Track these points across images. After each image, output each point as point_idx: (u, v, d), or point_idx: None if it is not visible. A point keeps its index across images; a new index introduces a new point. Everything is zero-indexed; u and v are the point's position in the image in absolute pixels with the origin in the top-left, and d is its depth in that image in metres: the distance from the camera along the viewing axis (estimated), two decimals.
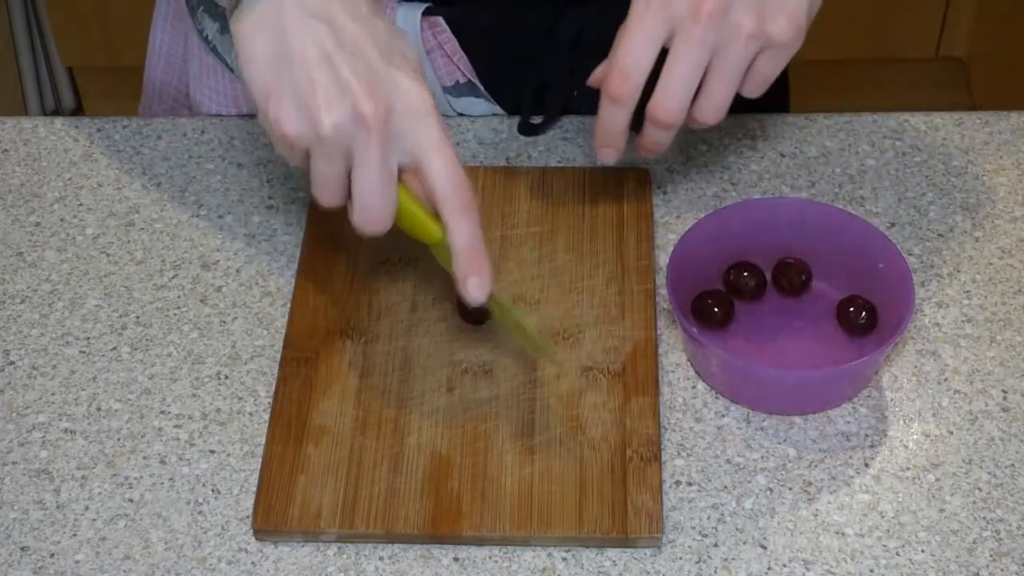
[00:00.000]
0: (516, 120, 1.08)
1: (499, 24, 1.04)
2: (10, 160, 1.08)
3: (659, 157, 1.03)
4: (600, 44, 1.02)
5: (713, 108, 0.84)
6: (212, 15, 1.07)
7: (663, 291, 0.95)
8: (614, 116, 0.85)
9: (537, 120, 1.05)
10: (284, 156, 0.80)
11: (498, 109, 1.09)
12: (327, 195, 0.80)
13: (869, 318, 0.92)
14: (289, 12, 0.77)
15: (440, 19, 1.03)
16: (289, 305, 0.96)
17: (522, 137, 1.07)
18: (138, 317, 0.97)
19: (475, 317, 0.93)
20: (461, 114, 1.10)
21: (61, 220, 1.03)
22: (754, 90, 0.85)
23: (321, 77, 0.76)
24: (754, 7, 0.82)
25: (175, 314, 0.97)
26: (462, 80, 1.07)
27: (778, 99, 1.20)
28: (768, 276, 0.95)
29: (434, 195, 0.79)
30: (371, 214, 0.79)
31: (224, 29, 1.06)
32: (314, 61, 0.76)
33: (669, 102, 0.83)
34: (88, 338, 0.95)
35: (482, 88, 1.07)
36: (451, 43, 1.04)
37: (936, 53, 2.43)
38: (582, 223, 0.99)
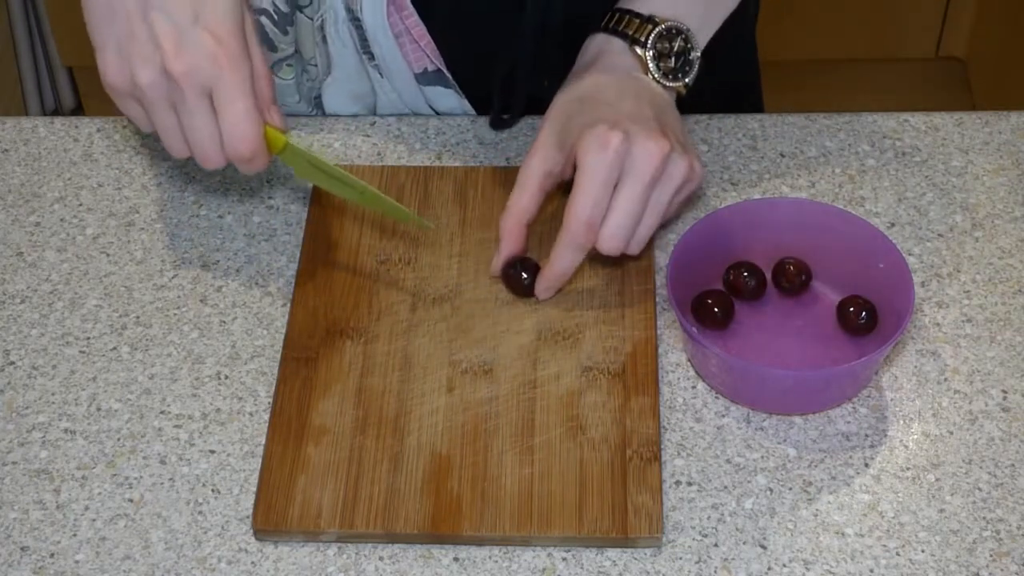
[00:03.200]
0: (517, 120, 1.08)
1: (464, 9, 1.04)
2: (10, 160, 1.08)
3: None
4: (565, 30, 1.02)
5: (641, 240, 0.92)
6: None
7: (663, 291, 0.95)
8: (574, 261, 0.91)
9: (505, 117, 1.07)
10: (122, 109, 0.88)
11: (466, 103, 1.09)
12: (174, 145, 0.88)
13: (869, 318, 0.92)
14: None
15: (407, 1, 1.03)
16: (289, 305, 0.96)
17: (522, 137, 1.07)
18: (138, 317, 0.97)
19: (524, 291, 0.94)
20: (437, 112, 1.10)
21: (61, 220, 1.03)
22: (643, 237, 0.92)
23: (138, 32, 0.84)
24: (683, 155, 0.91)
25: (175, 314, 0.97)
26: (430, 68, 1.07)
27: (753, 103, 1.21)
28: (768, 276, 0.95)
29: (224, 142, 0.87)
30: (199, 152, 0.87)
31: None
32: (135, 17, 0.84)
33: (619, 233, 0.90)
34: (88, 338, 0.95)
35: (450, 77, 1.07)
36: (418, 28, 1.04)
37: (936, 53, 2.43)
38: None
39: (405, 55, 1.06)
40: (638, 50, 0.95)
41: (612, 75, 0.94)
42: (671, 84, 0.95)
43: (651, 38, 0.94)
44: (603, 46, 0.96)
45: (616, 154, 0.88)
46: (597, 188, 0.89)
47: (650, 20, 0.95)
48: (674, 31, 0.95)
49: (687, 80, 0.96)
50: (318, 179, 0.94)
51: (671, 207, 0.92)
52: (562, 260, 0.91)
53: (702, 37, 0.97)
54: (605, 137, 0.88)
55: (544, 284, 0.93)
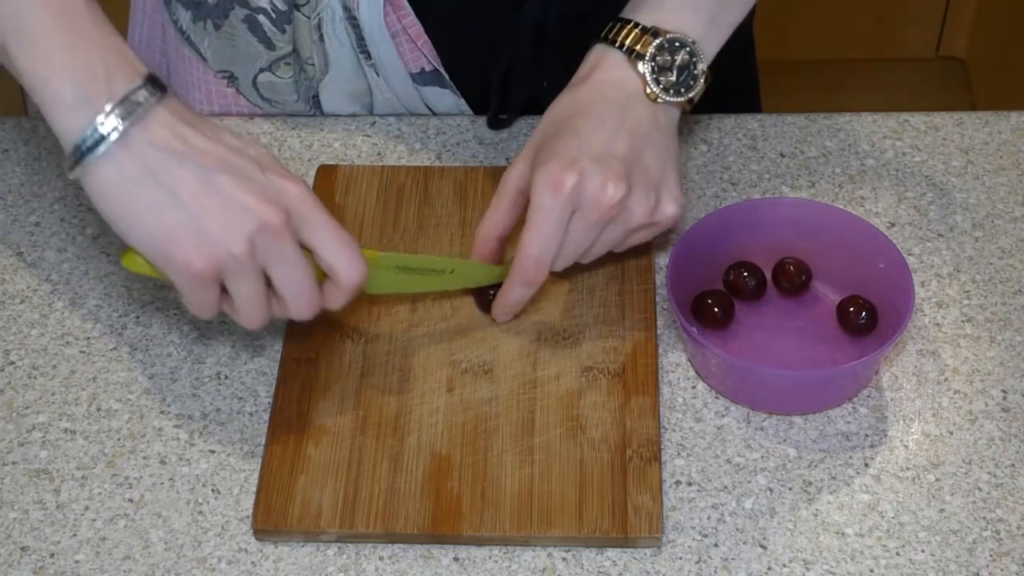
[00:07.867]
0: (515, 120, 1.08)
1: (461, 8, 1.04)
2: (10, 160, 1.08)
3: None
4: (563, 32, 1.02)
5: (568, 262, 0.90)
6: (185, 4, 1.06)
7: (663, 291, 0.95)
8: (523, 295, 0.91)
9: (503, 116, 1.07)
10: (196, 299, 0.80)
11: (463, 103, 1.09)
12: (257, 315, 0.81)
13: (869, 318, 0.92)
14: (149, 156, 0.77)
15: (404, 1, 1.03)
16: None
17: (521, 137, 1.07)
18: (138, 317, 0.97)
19: (487, 308, 0.93)
20: (435, 113, 1.10)
21: (61, 220, 1.03)
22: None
23: (212, 203, 0.77)
24: (647, 198, 0.88)
25: (175, 314, 0.97)
26: (427, 68, 1.07)
27: (750, 101, 1.21)
28: (768, 276, 0.95)
29: (335, 274, 0.82)
30: (303, 303, 0.82)
31: (196, 18, 1.06)
32: (199, 190, 0.77)
33: (561, 264, 0.89)
34: (88, 338, 0.95)
35: (447, 77, 1.07)
36: (415, 27, 1.04)
37: (936, 53, 2.43)
38: None
39: (402, 55, 1.06)
40: (639, 64, 0.89)
41: (602, 94, 0.90)
42: (673, 100, 0.90)
43: (650, 50, 0.89)
44: (601, 57, 0.91)
45: (567, 196, 0.85)
46: (548, 228, 0.86)
47: (652, 32, 0.90)
48: (676, 43, 0.90)
49: (691, 95, 0.90)
50: (400, 284, 0.91)
51: (626, 243, 0.91)
52: (511, 293, 0.90)
53: (710, 47, 0.92)
54: (558, 177, 0.85)
55: (497, 311, 0.93)
